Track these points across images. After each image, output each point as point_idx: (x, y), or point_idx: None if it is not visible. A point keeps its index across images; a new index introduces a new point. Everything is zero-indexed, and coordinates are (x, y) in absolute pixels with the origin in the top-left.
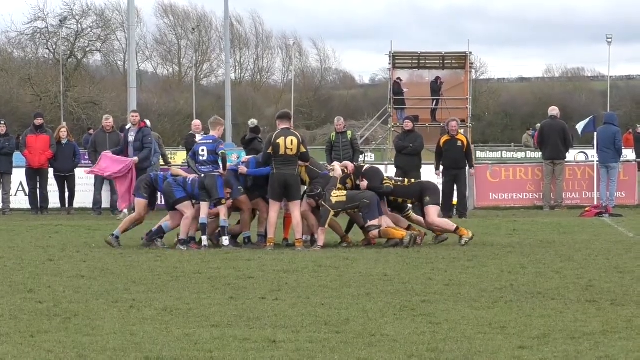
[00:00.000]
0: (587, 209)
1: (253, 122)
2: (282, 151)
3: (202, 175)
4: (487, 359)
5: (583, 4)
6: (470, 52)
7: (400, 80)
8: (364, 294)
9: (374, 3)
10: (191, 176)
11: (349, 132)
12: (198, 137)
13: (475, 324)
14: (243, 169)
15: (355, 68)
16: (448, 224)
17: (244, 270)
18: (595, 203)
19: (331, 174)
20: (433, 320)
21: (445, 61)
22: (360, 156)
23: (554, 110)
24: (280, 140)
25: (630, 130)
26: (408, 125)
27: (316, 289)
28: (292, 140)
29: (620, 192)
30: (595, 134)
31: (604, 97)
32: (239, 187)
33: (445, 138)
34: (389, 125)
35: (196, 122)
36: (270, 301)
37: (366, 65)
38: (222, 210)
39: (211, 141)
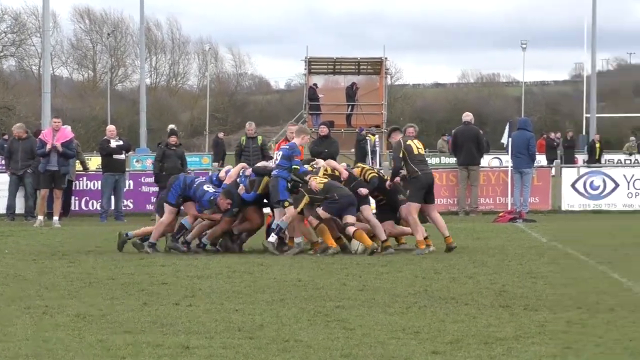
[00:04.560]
0: (500, 214)
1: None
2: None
3: (272, 177)
4: None
5: (480, 10)
6: (386, 58)
7: (316, 85)
8: (277, 300)
9: (271, 8)
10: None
11: (260, 138)
12: (113, 143)
13: (389, 329)
14: (242, 189)
15: (270, 73)
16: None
17: (158, 276)
18: (509, 208)
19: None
20: (347, 326)
21: (361, 67)
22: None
23: (467, 116)
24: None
25: (545, 136)
26: (323, 130)
27: (230, 295)
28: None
29: (534, 197)
30: (510, 139)
31: (519, 102)
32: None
33: None
34: None
35: (111, 128)
36: (183, 307)
37: (277, 70)
38: (287, 212)
39: (288, 147)
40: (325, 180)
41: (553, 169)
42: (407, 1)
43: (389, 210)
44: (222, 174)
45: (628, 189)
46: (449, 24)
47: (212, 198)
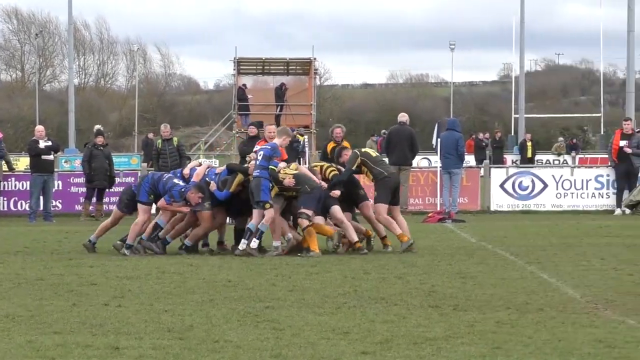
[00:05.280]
0: (430, 214)
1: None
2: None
3: (252, 178)
4: None
5: (407, 11)
6: (315, 58)
7: (245, 86)
8: (207, 301)
9: (197, 8)
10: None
11: (175, 139)
12: (41, 143)
13: (319, 330)
14: (213, 186)
15: (199, 74)
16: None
17: (87, 277)
18: (438, 209)
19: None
20: (277, 326)
21: (290, 67)
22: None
23: (403, 117)
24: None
25: (473, 136)
26: (252, 131)
27: (159, 296)
28: None
29: (463, 197)
30: (439, 139)
31: (447, 103)
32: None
33: (332, 145)
34: (234, 131)
35: (39, 128)
36: (113, 308)
37: (205, 70)
38: (266, 214)
39: (269, 147)
40: (294, 172)
41: (482, 169)
42: (331, 1)
43: (346, 203)
44: (186, 170)
45: (557, 189)
46: (375, 25)
47: (182, 190)
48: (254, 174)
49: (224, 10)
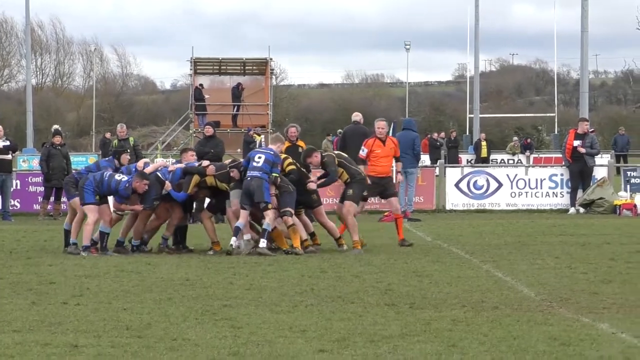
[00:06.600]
0: (386, 213)
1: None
2: None
3: (249, 178)
4: None
5: (362, 11)
6: (271, 58)
7: (202, 86)
8: (165, 299)
9: (153, 8)
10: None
11: (131, 139)
12: (0, 143)
13: (276, 328)
14: (168, 186)
15: (155, 74)
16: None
17: (46, 276)
18: None
19: None
20: (234, 325)
21: (246, 67)
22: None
23: (357, 116)
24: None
25: (428, 136)
26: (209, 131)
27: (118, 294)
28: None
29: (419, 197)
30: None
31: (403, 102)
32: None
33: (287, 144)
34: (191, 131)
35: None
36: (72, 306)
37: (160, 71)
38: (269, 214)
39: (272, 153)
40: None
41: (437, 168)
42: (287, 2)
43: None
44: (140, 163)
45: (511, 188)
46: (331, 25)
47: (127, 185)
48: (254, 174)
49: (179, 10)
